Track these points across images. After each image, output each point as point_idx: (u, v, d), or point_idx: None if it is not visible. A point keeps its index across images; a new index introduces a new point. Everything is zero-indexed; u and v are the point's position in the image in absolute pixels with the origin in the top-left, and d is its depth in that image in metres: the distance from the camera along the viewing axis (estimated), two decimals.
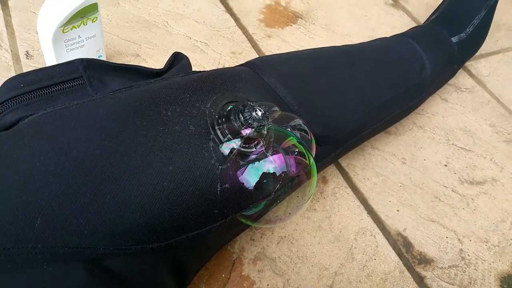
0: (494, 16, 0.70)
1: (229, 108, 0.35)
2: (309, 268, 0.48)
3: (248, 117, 0.33)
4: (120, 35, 0.65)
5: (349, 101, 0.49)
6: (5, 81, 0.37)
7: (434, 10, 0.72)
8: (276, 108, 0.37)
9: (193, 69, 0.46)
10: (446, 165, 0.62)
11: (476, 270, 0.52)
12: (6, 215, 0.27)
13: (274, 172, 0.34)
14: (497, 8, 0.69)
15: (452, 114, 0.69)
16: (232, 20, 0.73)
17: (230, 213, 0.35)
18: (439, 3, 0.72)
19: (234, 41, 0.70)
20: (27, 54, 0.60)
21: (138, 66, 0.43)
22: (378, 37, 0.67)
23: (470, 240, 0.54)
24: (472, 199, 0.59)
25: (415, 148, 0.63)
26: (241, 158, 0.34)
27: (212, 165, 0.34)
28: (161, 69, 0.44)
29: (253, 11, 0.76)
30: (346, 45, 0.59)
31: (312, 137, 0.39)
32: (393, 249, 0.52)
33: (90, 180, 0.29)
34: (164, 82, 0.38)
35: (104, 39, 0.57)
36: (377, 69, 0.54)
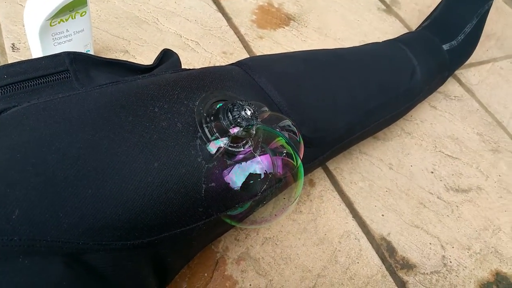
0: (484, 26, 0.70)
1: (218, 107, 0.35)
2: (292, 270, 0.48)
3: (237, 116, 0.32)
4: (109, 31, 0.64)
5: (339, 104, 0.49)
6: None
7: (426, 17, 0.73)
8: (266, 108, 0.37)
9: (183, 67, 0.45)
10: (432, 172, 0.62)
11: (457, 276, 0.52)
12: None
13: (261, 173, 0.34)
14: (487, 18, 0.70)
15: (441, 122, 0.70)
16: (224, 20, 0.72)
17: (214, 213, 0.35)
18: (431, 10, 0.73)
19: (225, 41, 0.69)
20: (13, 47, 0.59)
21: (126, 61, 0.42)
22: (370, 42, 0.67)
23: (453, 247, 0.55)
24: (457, 206, 0.59)
25: (402, 154, 0.63)
26: (228, 157, 0.34)
27: (198, 163, 0.33)
28: (150, 65, 0.43)
29: (246, 12, 0.76)
30: (338, 48, 0.59)
31: (301, 138, 0.39)
32: (376, 253, 0.52)
33: (71, 174, 0.29)
34: (152, 78, 0.38)
35: (92, 34, 0.56)
36: (368, 74, 0.54)
